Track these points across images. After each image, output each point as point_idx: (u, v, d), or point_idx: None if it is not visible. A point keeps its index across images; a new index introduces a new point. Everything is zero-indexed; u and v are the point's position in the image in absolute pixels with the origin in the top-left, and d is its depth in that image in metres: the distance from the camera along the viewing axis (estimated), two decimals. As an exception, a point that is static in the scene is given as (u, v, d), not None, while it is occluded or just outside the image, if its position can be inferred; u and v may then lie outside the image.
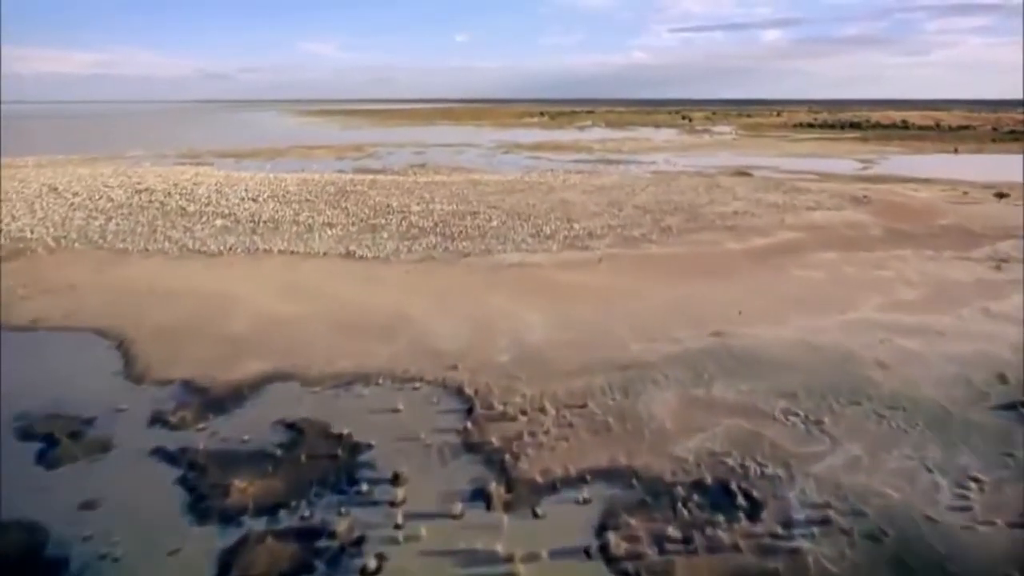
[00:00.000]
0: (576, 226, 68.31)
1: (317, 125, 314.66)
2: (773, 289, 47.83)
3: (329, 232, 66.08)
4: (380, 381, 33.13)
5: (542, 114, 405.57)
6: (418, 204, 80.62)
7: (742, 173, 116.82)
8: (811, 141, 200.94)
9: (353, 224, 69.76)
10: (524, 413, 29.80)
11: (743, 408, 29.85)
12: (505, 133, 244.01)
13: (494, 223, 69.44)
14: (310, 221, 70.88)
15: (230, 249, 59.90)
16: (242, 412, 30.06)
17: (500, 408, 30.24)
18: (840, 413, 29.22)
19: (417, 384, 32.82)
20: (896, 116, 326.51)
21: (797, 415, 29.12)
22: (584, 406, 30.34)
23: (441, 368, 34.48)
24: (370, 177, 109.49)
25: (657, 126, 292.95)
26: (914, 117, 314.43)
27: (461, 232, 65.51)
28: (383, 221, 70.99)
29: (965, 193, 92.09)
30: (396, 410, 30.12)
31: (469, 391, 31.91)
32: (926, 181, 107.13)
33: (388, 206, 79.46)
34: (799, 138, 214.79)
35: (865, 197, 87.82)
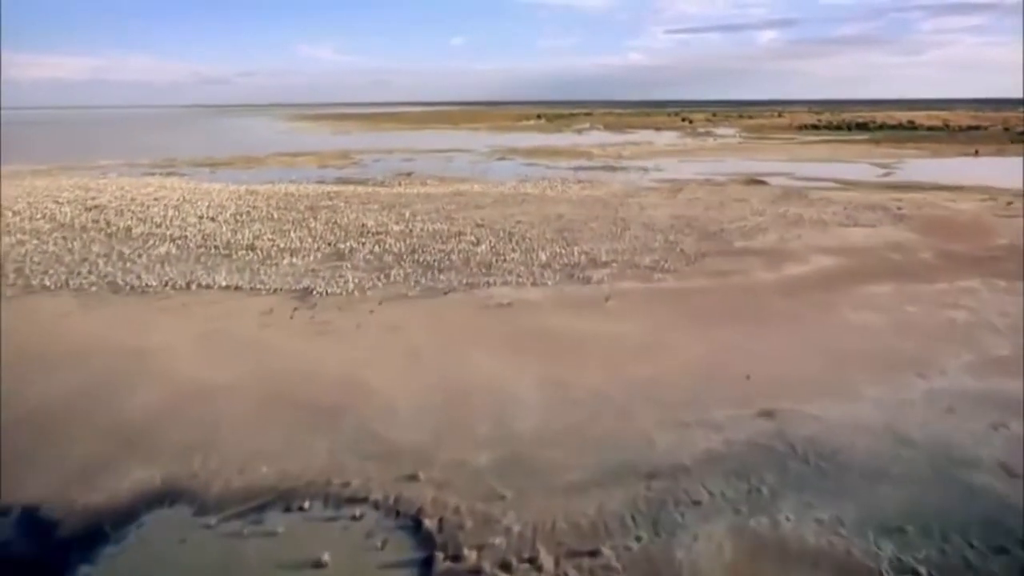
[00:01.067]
0: (576, 250, 58.70)
1: (307, 130, 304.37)
2: (825, 339, 38.21)
3: (287, 260, 56.37)
4: (306, 505, 23.45)
5: (539, 116, 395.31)
6: (398, 223, 70.97)
7: (756, 181, 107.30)
8: (820, 144, 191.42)
9: (318, 249, 60.11)
10: (508, 569, 20.19)
11: (832, 559, 20.19)
12: (500, 137, 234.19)
13: (481, 247, 59.79)
14: (269, 246, 61.16)
15: (166, 284, 50.16)
16: (87, 573, 20.37)
17: (473, 558, 20.60)
18: (983, 571, 19.60)
19: (358, 510, 23.11)
20: (901, 116, 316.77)
21: (918, 575, 19.51)
22: (596, 553, 20.73)
23: (395, 478, 24.83)
24: (350, 188, 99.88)
25: (657, 128, 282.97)
26: (919, 117, 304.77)
27: (442, 259, 55.85)
28: (354, 245, 61.33)
29: (1009, 203, 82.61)
30: (320, 564, 20.46)
31: (430, 523, 22.25)
32: (958, 188, 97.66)
33: (363, 226, 69.80)
34: (807, 140, 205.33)
35: (899, 209, 78.38)
